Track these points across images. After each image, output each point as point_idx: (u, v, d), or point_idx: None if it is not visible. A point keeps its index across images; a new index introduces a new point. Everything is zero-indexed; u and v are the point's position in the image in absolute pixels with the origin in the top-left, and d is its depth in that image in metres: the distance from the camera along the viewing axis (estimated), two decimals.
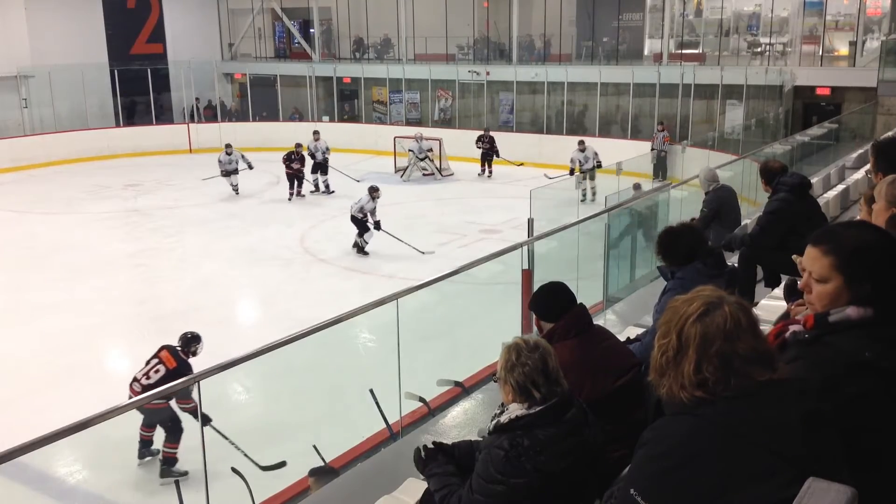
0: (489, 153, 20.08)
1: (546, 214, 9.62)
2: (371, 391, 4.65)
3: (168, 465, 6.21)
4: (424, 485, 2.85)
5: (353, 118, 25.92)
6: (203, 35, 27.39)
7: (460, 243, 13.57)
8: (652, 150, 18.31)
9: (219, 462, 3.93)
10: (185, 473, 5.95)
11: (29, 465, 5.77)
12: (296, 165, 17.17)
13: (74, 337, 9.64)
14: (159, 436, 6.33)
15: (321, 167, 17.93)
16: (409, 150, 20.06)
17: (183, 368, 6.35)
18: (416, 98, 24.95)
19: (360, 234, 13.08)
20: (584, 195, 16.52)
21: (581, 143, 18.02)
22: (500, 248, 5.69)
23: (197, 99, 26.23)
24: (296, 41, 27.70)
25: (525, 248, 6.01)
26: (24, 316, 10.38)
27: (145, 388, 6.23)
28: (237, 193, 17.54)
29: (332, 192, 17.77)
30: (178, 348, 6.68)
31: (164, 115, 25.44)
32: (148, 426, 6.43)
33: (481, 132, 20.53)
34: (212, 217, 15.85)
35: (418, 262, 12.25)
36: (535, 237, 6.36)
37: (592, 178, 16.84)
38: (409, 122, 24.35)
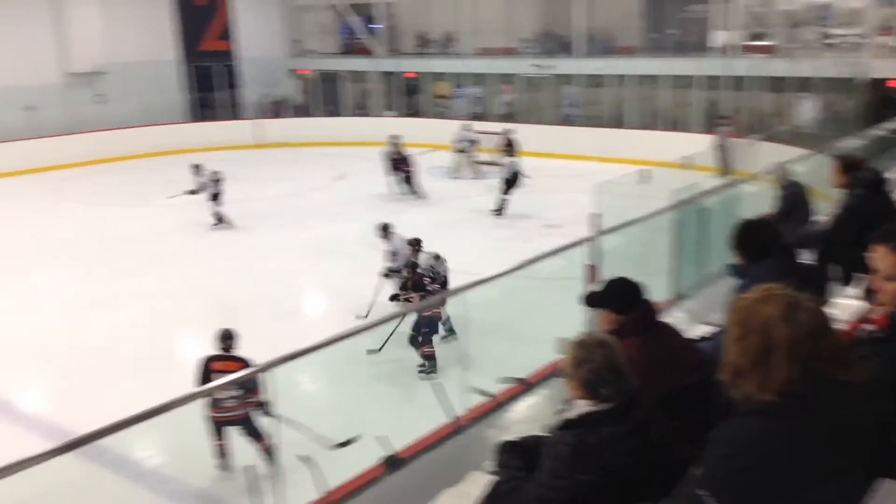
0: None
1: (611, 209, 9.53)
2: (438, 384, 4.70)
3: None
4: (487, 478, 2.89)
5: (416, 113, 26.04)
6: (270, 32, 27.88)
7: (524, 238, 13.54)
8: (715, 144, 17.95)
9: (289, 448, 4.04)
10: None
11: (108, 447, 6.01)
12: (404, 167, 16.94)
13: (148, 327, 9.99)
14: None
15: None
16: (453, 143, 20.00)
17: (246, 364, 6.15)
18: (479, 92, 24.94)
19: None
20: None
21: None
22: (562, 244, 5.67)
23: (264, 95, 26.73)
24: (359, 37, 27.97)
25: (589, 243, 5.98)
26: (99, 305, 10.76)
27: (233, 407, 6.16)
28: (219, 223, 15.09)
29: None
30: (224, 351, 6.53)
31: (232, 111, 25.99)
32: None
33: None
34: (277, 210, 16.14)
35: (481, 258, 12.27)
36: (599, 232, 6.32)
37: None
38: (472, 117, 24.33)
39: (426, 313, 7.53)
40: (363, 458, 4.39)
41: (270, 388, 3.90)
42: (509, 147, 17.74)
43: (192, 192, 14.91)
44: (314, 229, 14.78)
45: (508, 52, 24.61)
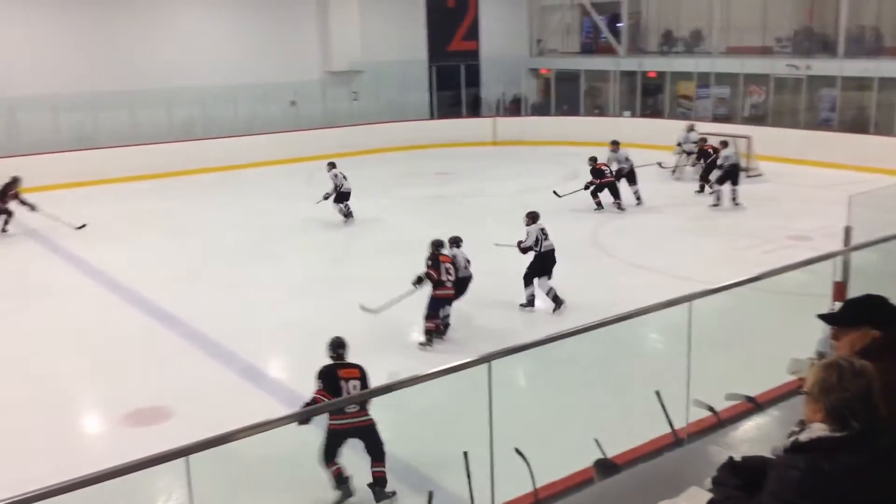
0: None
1: (867, 222, 8.71)
2: (657, 393, 4.56)
3: (381, 485, 6.05)
4: (708, 495, 2.76)
5: (656, 113, 25.34)
6: (513, 32, 28.41)
7: (764, 248, 12.74)
8: None
9: (505, 441, 4.11)
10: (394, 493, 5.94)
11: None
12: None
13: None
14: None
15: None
16: (677, 143, 19.18)
17: (362, 369, 6.31)
18: (726, 93, 23.76)
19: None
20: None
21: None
22: (808, 257, 5.27)
23: (504, 94, 27.31)
24: (602, 36, 27.68)
25: (839, 258, 5.51)
26: (338, 287, 11.56)
27: (356, 415, 6.02)
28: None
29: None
30: (339, 358, 6.47)
31: (473, 109, 26.81)
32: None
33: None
34: (509, 206, 16.38)
35: (715, 266, 11.71)
36: (851, 247, 5.80)
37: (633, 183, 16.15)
38: (715, 118, 23.27)
39: (438, 292, 9.46)
40: (575, 460, 4.37)
41: (490, 377, 3.98)
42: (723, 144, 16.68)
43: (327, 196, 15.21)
44: (546, 226, 14.85)
45: (761, 51, 23.19)
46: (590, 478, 4.09)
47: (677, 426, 4.43)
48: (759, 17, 23.19)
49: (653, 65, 25.33)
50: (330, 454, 6.06)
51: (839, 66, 20.79)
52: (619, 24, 27.06)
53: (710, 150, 17.29)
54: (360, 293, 11.26)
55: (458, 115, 26.14)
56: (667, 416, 4.42)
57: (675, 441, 4.38)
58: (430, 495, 4.41)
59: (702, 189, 17.19)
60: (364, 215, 16.27)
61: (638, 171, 16.55)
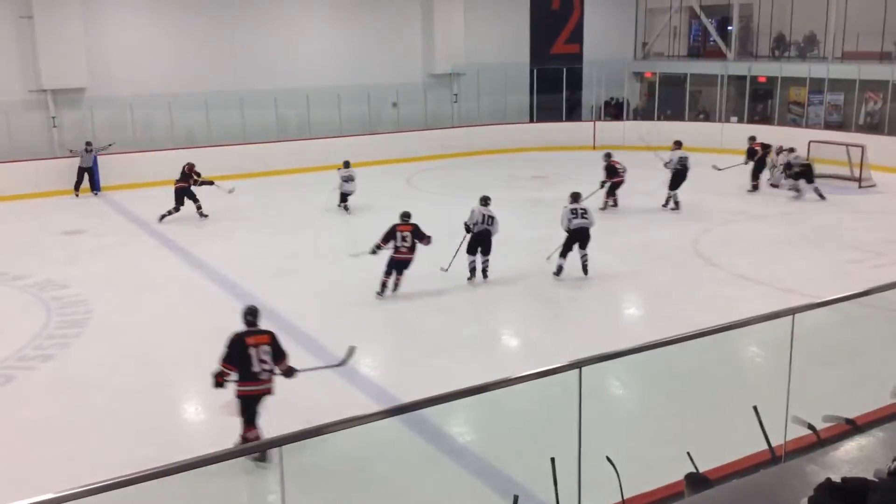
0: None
1: None
2: (754, 408, 4.42)
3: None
4: None
5: (765, 119, 24.49)
6: (618, 34, 28.04)
7: (875, 263, 12.14)
8: None
9: (596, 449, 4.07)
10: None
11: (428, 418, 6.54)
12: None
13: (472, 310, 10.71)
14: None
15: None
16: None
17: (274, 334, 6.84)
18: (840, 100, 22.74)
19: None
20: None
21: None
22: None
23: (612, 98, 26.94)
24: (711, 39, 26.95)
25: None
26: (433, 286, 11.65)
27: (268, 379, 6.70)
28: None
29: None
30: (250, 326, 6.88)
31: (575, 113, 26.56)
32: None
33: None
34: (605, 213, 16.16)
35: (822, 279, 11.24)
36: None
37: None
38: (827, 126, 22.31)
39: (395, 255, 11.01)
40: (666, 472, 4.28)
41: (581, 383, 3.94)
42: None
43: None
44: (640, 232, 14.62)
45: (880, 56, 22.08)
46: (680, 491, 4.01)
47: (774, 443, 4.28)
48: (878, 20, 22.09)
49: (763, 69, 24.49)
50: (249, 418, 6.56)
51: None
52: (729, 27, 26.29)
53: (758, 149, 18.01)
54: (451, 293, 11.38)
55: (558, 118, 25.97)
56: (764, 432, 4.27)
57: (772, 458, 4.24)
58: (516, 499, 4.40)
59: (754, 188, 17.93)
60: (464, 216, 16.35)
61: (690, 176, 16.38)
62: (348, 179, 16.63)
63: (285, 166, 21.13)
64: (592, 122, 25.51)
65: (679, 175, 16.30)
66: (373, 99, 23.15)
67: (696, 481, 3.99)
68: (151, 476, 2.78)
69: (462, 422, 7.25)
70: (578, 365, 3.91)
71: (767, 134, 21.81)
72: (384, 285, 11.14)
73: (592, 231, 11.92)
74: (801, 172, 17.13)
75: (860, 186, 18.07)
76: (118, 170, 19.37)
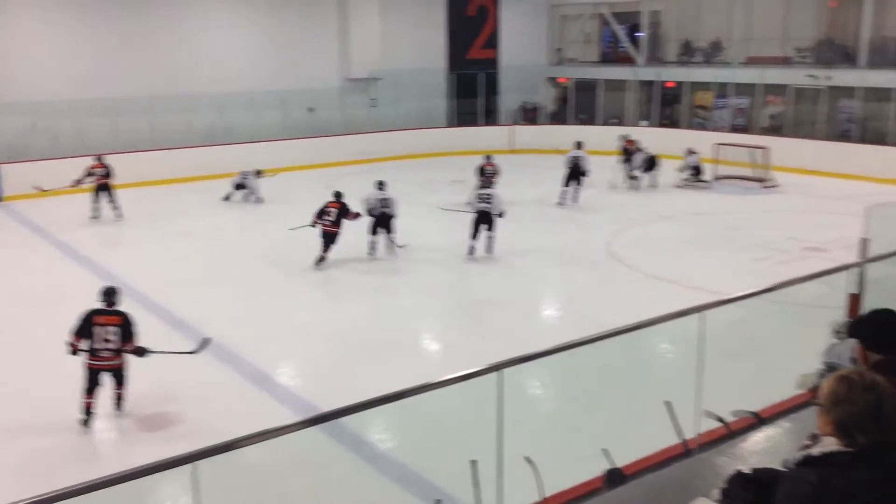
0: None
1: (885, 234, 8.63)
2: (667, 403, 4.53)
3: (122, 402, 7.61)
4: None
5: (673, 123, 25.27)
6: (533, 40, 28.43)
7: (779, 260, 12.65)
8: None
9: (514, 448, 4.10)
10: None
11: (347, 427, 6.47)
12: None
13: (393, 317, 10.63)
14: None
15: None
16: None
17: (128, 316, 7.52)
18: (744, 104, 23.65)
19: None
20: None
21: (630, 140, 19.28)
22: (823, 269, 5.22)
23: (524, 103, 27.31)
24: (622, 45, 27.65)
25: (854, 270, 5.46)
26: (353, 293, 11.61)
27: (113, 353, 7.43)
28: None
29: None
30: (107, 306, 7.50)
31: (491, 117, 26.81)
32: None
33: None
34: (524, 215, 16.39)
35: (729, 277, 11.64)
36: (867, 259, 5.74)
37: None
38: (733, 129, 23.18)
39: (323, 228, 12.82)
40: (584, 469, 4.34)
41: (501, 385, 3.96)
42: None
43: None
44: (556, 235, 14.86)
45: (781, 62, 23.07)
46: (598, 487, 4.08)
47: (687, 437, 4.40)
48: (779, 27, 23.09)
49: (671, 75, 25.27)
50: (88, 387, 7.40)
51: (860, 76, 20.67)
52: (638, 34, 27.02)
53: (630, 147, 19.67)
54: (372, 299, 11.32)
55: (475, 123, 26.16)
56: (676, 426, 4.39)
57: (685, 452, 4.36)
58: None
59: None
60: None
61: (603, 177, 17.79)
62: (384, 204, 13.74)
63: (197, 173, 20.63)
64: (509, 126, 25.80)
65: (574, 172, 17.35)
66: (288, 104, 22.83)
67: (613, 477, 4.07)
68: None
69: (382, 428, 7.19)
70: (498, 368, 3.93)
71: (676, 137, 22.57)
72: (322, 259, 12.71)
73: (498, 218, 13.15)
74: (647, 162, 18.97)
75: (764, 187, 18.83)
76: (23, 178, 18.52)
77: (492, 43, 27.25)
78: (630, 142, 19.81)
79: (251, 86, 22.33)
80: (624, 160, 19.48)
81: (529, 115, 27.26)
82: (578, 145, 17.75)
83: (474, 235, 13.17)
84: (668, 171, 19.30)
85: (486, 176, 16.89)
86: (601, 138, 22.31)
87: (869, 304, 5.22)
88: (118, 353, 7.46)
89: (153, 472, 2.93)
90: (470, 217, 13.28)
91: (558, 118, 27.21)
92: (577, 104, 26.94)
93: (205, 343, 7.99)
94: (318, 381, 8.70)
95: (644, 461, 4.59)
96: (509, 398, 4.07)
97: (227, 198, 18.17)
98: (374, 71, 24.87)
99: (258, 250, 14.05)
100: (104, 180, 16.27)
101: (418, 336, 10.32)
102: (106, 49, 20.80)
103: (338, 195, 13.05)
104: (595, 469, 4.13)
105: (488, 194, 13.40)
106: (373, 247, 13.22)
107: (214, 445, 3.09)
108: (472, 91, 26.19)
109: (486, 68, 26.62)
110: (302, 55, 23.81)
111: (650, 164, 19.01)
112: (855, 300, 5.42)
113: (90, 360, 7.44)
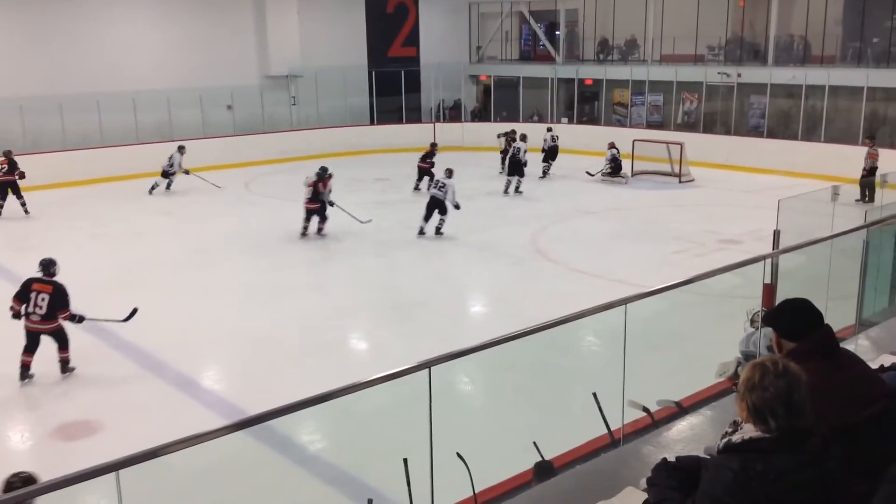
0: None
1: (795, 226, 8.99)
2: (594, 395, 4.61)
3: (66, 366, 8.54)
4: (643, 495, 2.79)
5: (593, 120, 25.76)
6: (453, 38, 28.54)
7: (696, 252, 13.04)
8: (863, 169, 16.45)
9: (445, 445, 4.11)
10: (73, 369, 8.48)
11: (276, 429, 6.37)
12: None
13: (322, 317, 10.50)
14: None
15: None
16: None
17: (60, 287, 8.46)
18: (660, 100, 24.28)
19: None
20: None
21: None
22: (739, 260, 5.39)
23: (443, 100, 27.39)
24: (541, 43, 28.01)
25: (768, 261, 5.66)
26: (280, 294, 11.44)
27: (42, 318, 8.35)
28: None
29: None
30: (44, 275, 8.52)
31: (413, 115, 26.80)
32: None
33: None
34: (448, 213, 16.44)
35: (649, 270, 11.94)
36: (780, 250, 5.97)
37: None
38: (649, 125, 23.78)
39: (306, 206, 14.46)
40: (515, 463, 4.38)
41: (429, 383, 3.96)
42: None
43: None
44: (483, 232, 14.96)
45: (694, 60, 23.78)
46: (529, 480, 4.12)
47: (613, 427, 4.49)
48: (692, 25, 23.78)
49: (589, 72, 25.73)
50: (27, 347, 8.39)
51: (769, 73, 21.47)
52: (556, 32, 27.42)
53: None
54: (300, 300, 11.18)
55: (398, 120, 26.11)
56: (603, 417, 4.47)
57: (612, 442, 4.44)
58: (370, 503, 4.37)
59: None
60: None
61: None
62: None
63: (111, 174, 19.98)
64: (432, 124, 25.84)
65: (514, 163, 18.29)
66: (206, 102, 22.30)
67: (543, 469, 4.12)
68: None
69: (312, 430, 7.12)
70: (427, 365, 3.93)
71: (596, 134, 23.02)
72: (304, 229, 14.37)
73: (449, 205, 14.24)
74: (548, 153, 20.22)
75: (680, 181, 19.38)
76: None
77: (412, 40, 27.23)
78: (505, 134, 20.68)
79: (167, 84, 21.72)
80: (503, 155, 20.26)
81: (452, 113, 27.37)
82: (523, 138, 18.98)
83: (427, 218, 14.23)
84: (579, 168, 19.65)
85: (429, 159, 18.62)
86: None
87: (782, 294, 5.44)
88: (52, 318, 8.35)
89: (75, 483, 2.82)
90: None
91: (481, 116, 27.39)
92: (499, 102, 27.17)
93: (133, 313, 8.97)
94: (244, 384, 8.55)
95: (573, 453, 4.67)
96: (439, 395, 4.07)
97: (152, 189, 18.13)
98: (294, 68, 24.54)
99: (176, 252, 13.71)
100: (8, 177, 15.69)
101: (346, 336, 10.25)
102: (14, 45, 19.95)
103: (324, 170, 14.58)
104: (525, 462, 4.18)
105: (443, 183, 14.37)
106: (422, 230, 14.42)
107: (138, 453, 3.00)
108: (394, 89, 26.12)
109: (408, 66, 26.59)
110: (219, 52, 23.32)
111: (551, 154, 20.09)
112: (769, 290, 5.63)
113: (26, 322, 8.42)
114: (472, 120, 27.05)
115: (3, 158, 16.01)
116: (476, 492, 4.16)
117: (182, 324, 10.33)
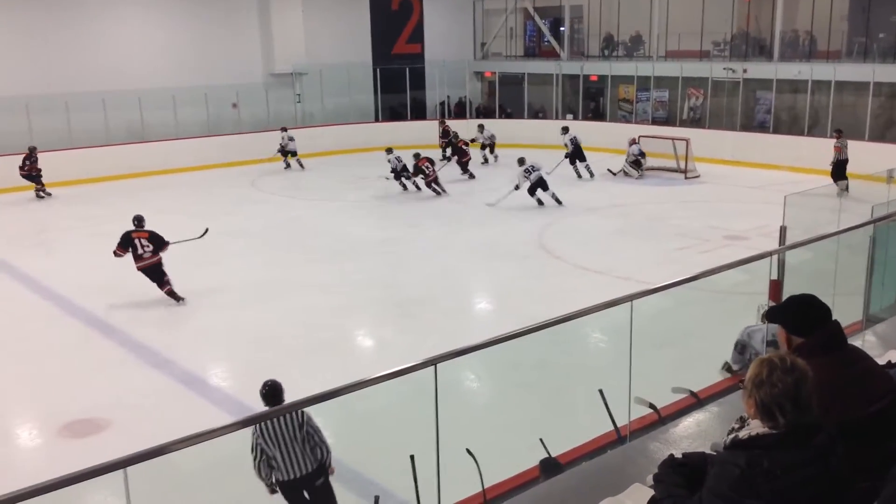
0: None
1: (802, 222, 8.97)
2: (600, 392, 4.61)
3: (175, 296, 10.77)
4: (650, 492, 2.79)
5: (598, 116, 25.71)
6: (458, 35, 28.50)
7: (701, 248, 13.02)
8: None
9: (454, 441, 4.12)
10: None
11: None
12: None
13: (324, 314, 10.52)
14: None
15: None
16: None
17: (153, 231, 10.78)
18: (665, 96, 24.23)
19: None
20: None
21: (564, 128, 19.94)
22: (745, 256, 5.38)
23: (448, 97, 27.36)
24: (545, 39, 27.96)
25: (774, 257, 5.64)
26: (284, 291, 11.46)
27: (152, 253, 10.67)
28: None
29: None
30: (138, 226, 10.77)
31: (418, 112, 26.79)
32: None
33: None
34: (452, 209, 16.47)
35: (655, 266, 11.92)
36: (786, 246, 5.95)
37: None
38: (655, 121, 23.72)
39: None
40: (522, 460, 4.38)
41: (435, 380, 3.97)
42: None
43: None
44: (485, 229, 14.96)
45: (700, 55, 23.72)
46: (535, 477, 4.12)
47: (620, 424, 4.49)
48: (697, 21, 23.70)
49: (594, 69, 25.67)
50: (158, 281, 10.78)
51: (774, 69, 21.39)
52: (561, 28, 27.36)
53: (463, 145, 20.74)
54: (304, 297, 11.19)
55: (403, 118, 26.11)
56: (610, 414, 4.47)
57: (618, 439, 4.43)
58: (376, 500, 4.38)
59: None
60: (310, 218, 16.13)
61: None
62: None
63: (117, 172, 20.03)
64: (437, 121, 25.80)
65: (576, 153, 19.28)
66: (211, 100, 22.34)
67: (550, 466, 4.12)
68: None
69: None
70: (433, 362, 3.93)
71: (602, 130, 22.98)
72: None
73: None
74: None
75: (686, 177, 19.33)
76: None
77: (417, 38, 27.21)
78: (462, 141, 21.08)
79: (173, 82, 21.76)
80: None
81: (457, 110, 27.35)
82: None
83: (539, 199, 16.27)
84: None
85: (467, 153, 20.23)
86: (528, 132, 22.57)
87: (789, 290, 5.42)
88: (156, 253, 10.66)
89: (83, 480, 2.84)
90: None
91: (486, 113, 27.36)
92: (504, 98, 27.15)
93: (206, 231, 11.85)
94: (250, 381, 8.55)
95: (579, 449, 4.66)
96: (445, 392, 4.08)
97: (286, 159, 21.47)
98: (299, 66, 24.56)
99: (181, 250, 13.73)
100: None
101: (350, 334, 10.26)
102: (20, 44, 20.01)
103: (418, 155, 17.60)
104: (531, 459, 4.18)
105: (532, 166, 16.27)
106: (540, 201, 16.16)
107: (146, 450, 3.01)
108: (399, 86, 26.11)
109: (412, 63, 26.56)
110: (224, 50, 23.36)
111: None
112: (776, 286, 5.61)
113: (138, 263, 10.66)
114: (477, 117, 27.00)
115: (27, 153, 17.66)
116: (484, 488, 4.16)
117: (188, 321, 10.36)
